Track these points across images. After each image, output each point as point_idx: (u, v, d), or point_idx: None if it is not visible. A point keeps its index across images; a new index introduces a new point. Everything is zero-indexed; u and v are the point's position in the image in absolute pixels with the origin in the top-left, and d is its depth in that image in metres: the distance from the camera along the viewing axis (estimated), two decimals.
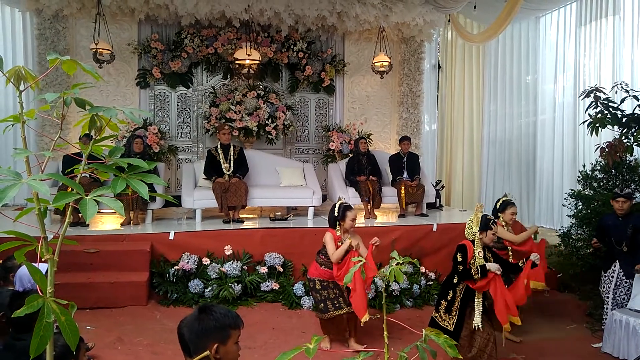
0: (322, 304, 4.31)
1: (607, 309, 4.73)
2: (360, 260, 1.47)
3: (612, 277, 4.71)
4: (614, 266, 4.71)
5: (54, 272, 1.14)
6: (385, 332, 1.27)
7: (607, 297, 4.74)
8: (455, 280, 3.78)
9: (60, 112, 1.22)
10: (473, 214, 3.81)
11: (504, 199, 4.78)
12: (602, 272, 4.85)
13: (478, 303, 3.72)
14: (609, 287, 4.72)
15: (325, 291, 4.33)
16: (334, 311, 4.26)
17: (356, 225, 4.48)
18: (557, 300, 5.71)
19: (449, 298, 3.80)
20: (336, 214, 4.33)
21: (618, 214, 4.71)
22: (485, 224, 3.70)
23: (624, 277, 4.66)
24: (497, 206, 4.76)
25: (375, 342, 4.40)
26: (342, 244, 4.22)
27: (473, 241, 3.73)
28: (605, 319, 4.68)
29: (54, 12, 7.06)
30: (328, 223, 4.48)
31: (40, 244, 1.14)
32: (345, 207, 4.36)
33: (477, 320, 3.69)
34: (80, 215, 5.88)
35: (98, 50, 6.82)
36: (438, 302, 3.92)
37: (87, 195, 1.11)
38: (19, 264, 3.35)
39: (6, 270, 3.40)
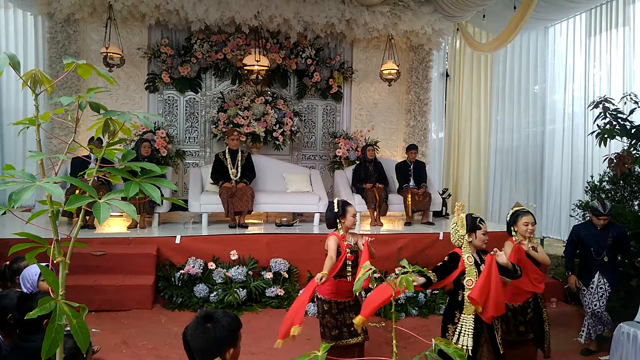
0: (337, 330, 3.74)
1: (586, 321, 4.69)
2: (370, 268, 1.47)
3: (592, 289, 4.59)
4: (594, 279, 4.59)
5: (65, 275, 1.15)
6: (394, 341, 1.27)
7: (588, 310, 4.63)
8: (459, 298, 3.27)
9: (75, 116, 1.23)
10: (455, 216, 3.37)
11: (515, 208, 4.08)
12: (582, 287, 4.68)
13: (466, 321, 3.21)
14: (592, 300, 4.59)
15: (342, 315, 3.75)
16: (349, 338, 3.74)
17: (362, 232, 4.35)
18: (563, 312, 5.66)
19: (455, 320, 3.26)
20: (336, 210, 3.82)
21: (598, 227, 4.60)
22: (472, 224, 3.27)
23: (609, 288, 4.55)
24: (508, 219, 4.05)
25: (380, 350, 4.38)
26: (347, 243, 3.80)
27: (462, 247, 3.31)
28: (583, 332, 4.70)
29: (66, 16, 7.13)
30: (327, 224, 3.96)
31: (52, 246, 1.14)
32: (345, 202, 3.92)
33: (464, 341, 3.17)
34: (87, 217, 5.90)
35: (108, 54, 6.88)
36: (444, 328, 3.36)
37: (99, 198, 1.12)
38: (26, 265, 3.36)
39: (13, 273, 3.41)
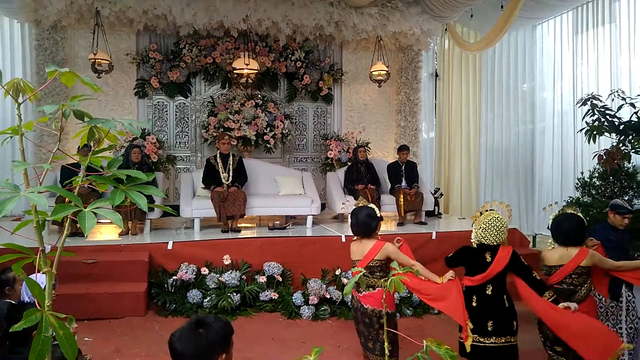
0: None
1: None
2: (361, 271, 1.46)
3: (623, 303, 3.82)
4: (622, 291, 3.82)
5: (53, 285, 1.13)
6: (386, 344, 1.26)
7: (620, 330, 3.77)
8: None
9: (59, 124, 1.22)
10: (501, 217, 3.24)
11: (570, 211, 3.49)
12: (611, 303, 3.84)
13: None
14: (620, 319, 3.82)
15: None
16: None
17: None
18: None
19: None
20: (379, 215, 3.58)
21: (619, 228, 4.05)
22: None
23: (632, 299, 3.82)
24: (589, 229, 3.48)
25: None
26: None
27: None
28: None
29: (53, 23, 7.08)
30: (362, 233, 3.57)
31: (38, 257, 1.13)
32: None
33: None
34: (78, 225, 5.85)
35: (96, 60, 6.84)
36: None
37: (85, 207, 1.11)
38: (14, 276, 3.33)
39: (2, 284, 3.38)
